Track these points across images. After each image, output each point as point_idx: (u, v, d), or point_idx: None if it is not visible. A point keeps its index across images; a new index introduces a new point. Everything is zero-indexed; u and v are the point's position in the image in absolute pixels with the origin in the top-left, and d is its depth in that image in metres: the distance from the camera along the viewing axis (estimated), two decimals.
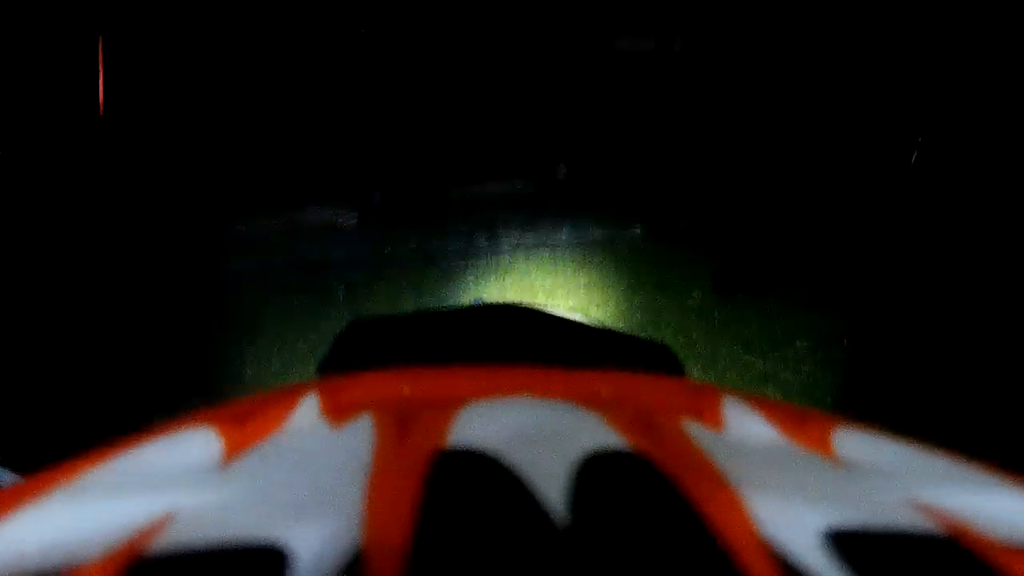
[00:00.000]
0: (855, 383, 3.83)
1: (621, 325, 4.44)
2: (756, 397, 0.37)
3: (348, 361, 0.54)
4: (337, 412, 0.35)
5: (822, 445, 0.33)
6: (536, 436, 0.32)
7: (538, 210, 7.23)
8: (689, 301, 4.79)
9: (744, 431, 0.34)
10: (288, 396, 0.36)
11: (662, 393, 0.38)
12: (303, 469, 0.31)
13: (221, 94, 7.22)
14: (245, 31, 7.88)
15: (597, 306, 4.79)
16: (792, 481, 0.30)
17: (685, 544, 0.25)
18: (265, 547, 0.25)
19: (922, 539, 0.26)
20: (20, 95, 6.56)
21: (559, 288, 5.07)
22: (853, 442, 0.33)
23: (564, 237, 6.35)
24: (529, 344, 0.53)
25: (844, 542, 0.26)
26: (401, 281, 5.26)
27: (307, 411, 0.35)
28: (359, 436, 0.32)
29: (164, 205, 6.74)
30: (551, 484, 0.28)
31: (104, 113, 7.50)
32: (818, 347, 4.13)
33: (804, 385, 3.81)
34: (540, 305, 0.59)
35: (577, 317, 0.63)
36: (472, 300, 4.77)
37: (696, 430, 0.34)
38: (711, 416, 0.36)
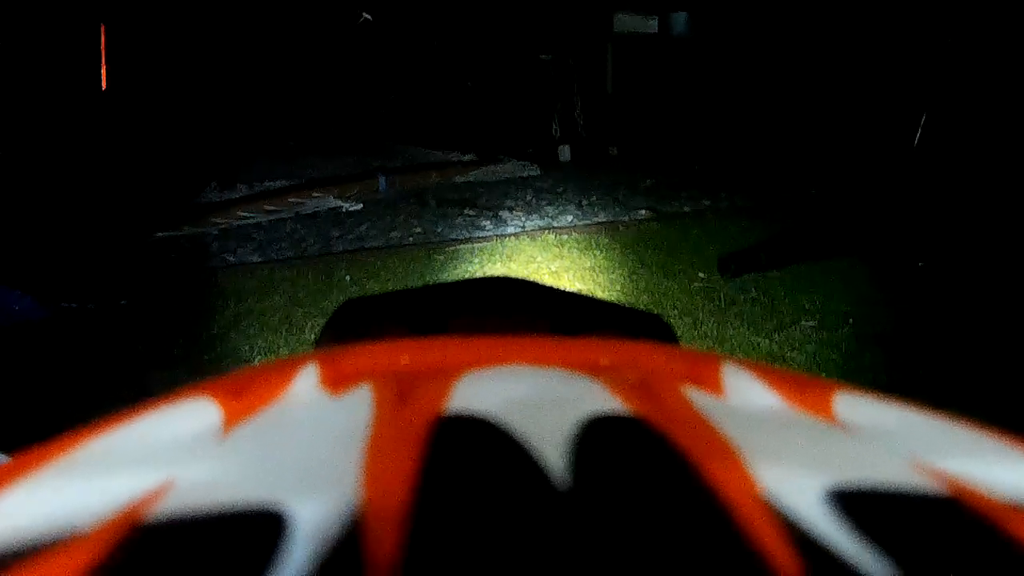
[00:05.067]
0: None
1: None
2: (756, 364, 0.36)
3: (343, 338, 0.54)
4: (336, 382, 0.35)
5: (823, 410, 0.33)
6: (536, 402, 0.32)
7: (543, 192, 7.24)
8: (695, 283, 4.80)
9: (745, 397, 0.34)
10: (287, 367, 0.35)
11: (662, 360, 0.38)
12: (302, 438, 0.31)
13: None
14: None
15: (603, 288, 4.80)
16: (794, 444, 0.30)
17: (687, 505, 0.25)
18: (264, 512, 0.24)
19: (925, 498, 0.26)
20: (40, 74, 6.69)
21: (564, 272, 5.07)
22: (855, 406, 0.33)
23: (570, 220, 6.36)
24: (524, 315, 0.52)
25: (846, 501, 0.25)
26: (407, 266, 5.27)
27: (306, 381, 0.35)
28: (358, 405, 0.32)
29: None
30: (551, 448, 0.28)
31: (106, 88, 7.65)
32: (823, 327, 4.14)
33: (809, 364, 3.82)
34: (532, 279, 0.59)
35: (569, 289, 0.63)
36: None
37: (696, 396, 0.33)
38: (711, 382, 0.35)
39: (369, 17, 10.31)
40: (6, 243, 4.99)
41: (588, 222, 6.29)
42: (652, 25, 9.54)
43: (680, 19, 9.67)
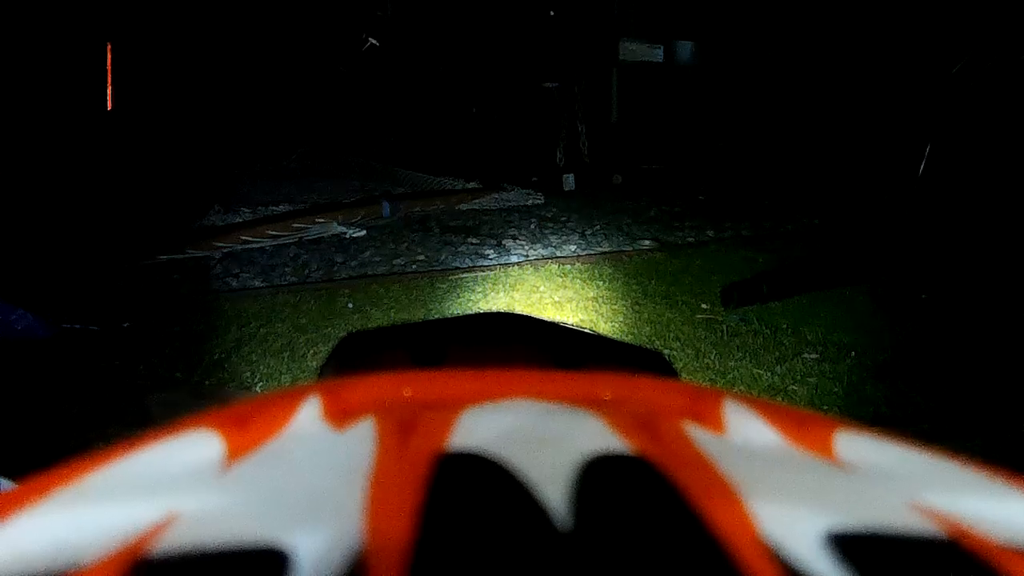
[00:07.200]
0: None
1: (629, 338, 4.44)
2: (757, 400, 0.37)
3: (346, 369, 0.54)
4: (339, 415, 0.35)
5: (824, 448, 0.33)
6: (538, 439, 0.32)
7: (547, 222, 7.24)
8: (698, 315, 4.79)
9: (745, 434, 0.34)
10: (290, 399, 0.36)
11: (663, 396, 0.38)
12: (305, 472, 0.31)
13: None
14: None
15: (606, 319, 4.79)
16: (794, 484, 0.30)
17: (687, 547, 0.25)
18: (266, 549, 0.25)
19: (924, 542, 0.26)
20: (45, 92, 6.73)
21: (568, 302, 5.07)
22: (855, 445, 0.33)
23: (573, 249, 6.35)
24: (524, 350, 0.53)
25: (846, 544, 0.25)
26: (410, 293, 5.27)
27: (309, 414, 0.35)
28: (361, 439, 0.32)
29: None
30: (553, 487, 0.28)
31: (111, 108, 7.68)
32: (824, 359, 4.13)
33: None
34: (534, 314, 0.59)
35: (570, 324, 0.63)
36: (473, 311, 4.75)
37: (697, 433, 0.34)
38: (712, 419, 0.35)
39: (375, 42, 10.37)
40: (10, 262, 4.99)
41: (592, 252, 6.28)
42: (657, 54, 9.58)
43: (685, 48, 9.71)
